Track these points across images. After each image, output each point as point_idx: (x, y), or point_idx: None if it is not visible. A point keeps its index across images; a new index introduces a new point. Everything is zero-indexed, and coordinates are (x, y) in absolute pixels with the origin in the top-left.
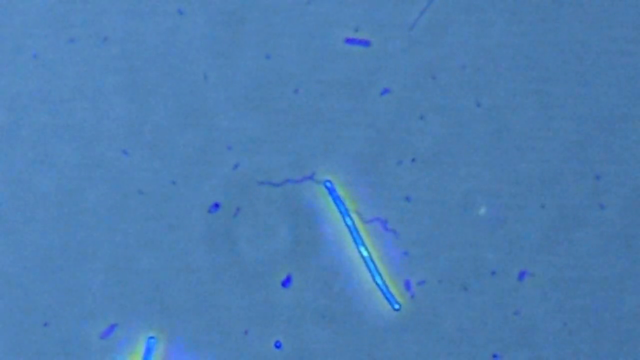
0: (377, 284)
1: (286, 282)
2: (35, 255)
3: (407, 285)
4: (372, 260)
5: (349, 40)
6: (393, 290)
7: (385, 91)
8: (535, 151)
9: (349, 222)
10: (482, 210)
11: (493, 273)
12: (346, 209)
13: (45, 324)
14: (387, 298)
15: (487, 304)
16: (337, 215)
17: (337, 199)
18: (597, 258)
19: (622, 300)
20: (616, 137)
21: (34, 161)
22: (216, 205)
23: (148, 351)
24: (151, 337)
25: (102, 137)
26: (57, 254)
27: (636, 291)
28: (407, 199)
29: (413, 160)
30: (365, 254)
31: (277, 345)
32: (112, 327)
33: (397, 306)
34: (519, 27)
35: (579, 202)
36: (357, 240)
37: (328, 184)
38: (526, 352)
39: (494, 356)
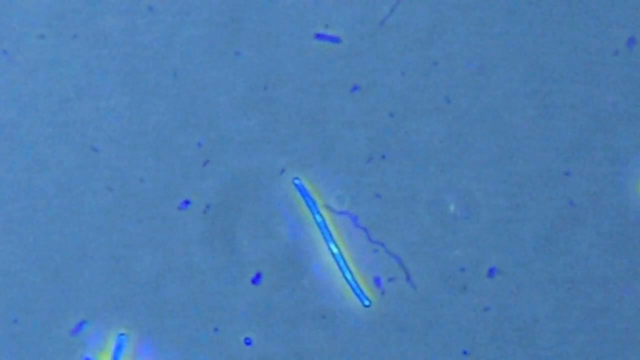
0: (347, 280)
1: (256, 280)
2: (10, 253)
3: (377, 282)
4: (342, 257)
5: (319, 36)
6: (363, 287)
7: (355, 88)
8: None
9: (319, 219)
10: (452, 208)
11: (463, 270)
12: (316, 206)
13: (15, 321)
14: (357, 295)
15: (460, 301)
16: (307, 211)
17: (306, 196)
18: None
19: (620, 301)
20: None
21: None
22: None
23: (118, 348)
24: (121, 334)
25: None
26: (44, 251)
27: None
28: (377, 195)
29: (383, 157)
30: (335, 250)
31: (247, 342)
32: (81, 324)
33: (367, 303)
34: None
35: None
36: (327, 237)
37: (297, 182)
38: (521, 355)
39: (464, 353)
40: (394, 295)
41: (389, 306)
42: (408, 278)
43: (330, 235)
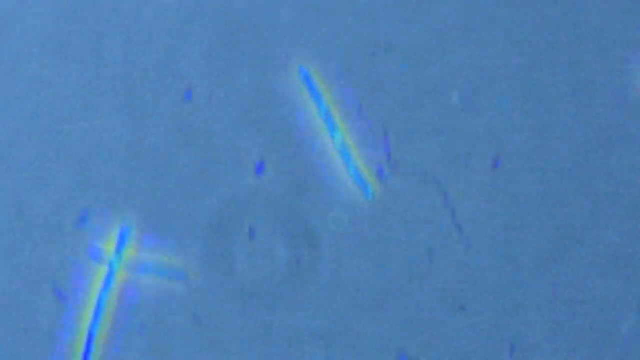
0: (349, 171)
1: (259, 169)
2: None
3: (380, 172)
4: (344, 148)
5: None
6: (366, 177)
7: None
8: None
9: (323, 110)
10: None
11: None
12: (320, 97)
13: (20, 212)
14: (359, 185)
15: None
16: (312, 104)
17: (312, 88)
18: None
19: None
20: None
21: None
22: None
23: (122, 239)
24: (125, 225)
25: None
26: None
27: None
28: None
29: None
30: (338, 140)
31: (251, 235)
32: (86, 215)
33: (369, 193)
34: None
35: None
36: (330, 127)
37: (303, 71)
38: None
39: None
40: (397, 186)
41: (391, 196)
42: (411, 168)
43: (334, 124)
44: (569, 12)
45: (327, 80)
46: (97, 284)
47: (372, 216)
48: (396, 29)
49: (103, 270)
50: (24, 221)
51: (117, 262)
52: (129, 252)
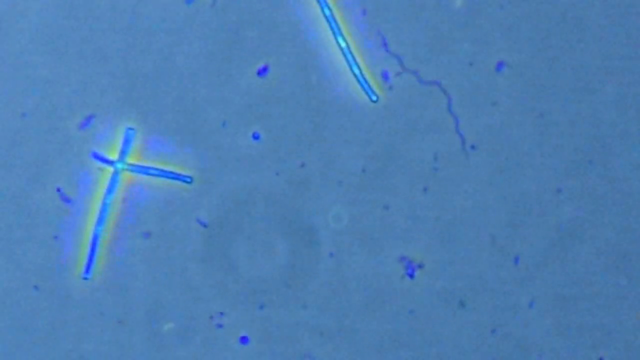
0: (354, 74)
1: (262, 72)
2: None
3: (385, 76)
4: (349, 51)
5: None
6: (371, 81)
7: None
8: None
9: (327, 12)
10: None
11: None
12: (325, 1)
13: (23, 115)
14: (364, 89)
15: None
16: (315, 4)
17: None
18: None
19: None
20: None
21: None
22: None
23: (126, 142)
24: (130, 128)
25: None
26: None
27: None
28: None
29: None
30: (343, 44)
31: (256, 137)
32: (90, 118)
33: (374, 98)
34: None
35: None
36: (335, 30)
37: None
38: None
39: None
40: (401, 90)
41: (397, 100)
42: (415, 73)
43: (339, 28)
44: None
45: None
46: (102, 186)
47: (375, 120)
48: None
49: (108, 172)
50: (27, 126)
51: (121, 164)
52: (134, 155)
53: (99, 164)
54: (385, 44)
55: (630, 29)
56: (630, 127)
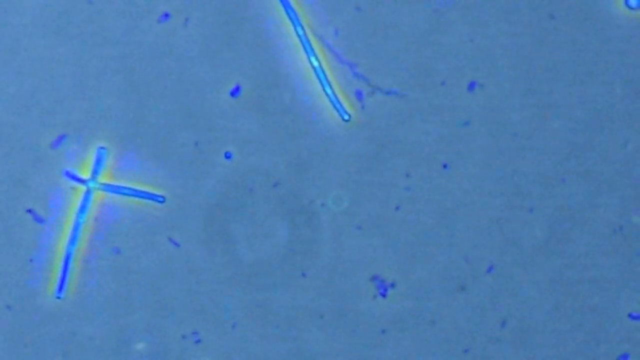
0: (326, 94)
1: (235, 92)
2: None
3: (359, 96)
4: (322, 71)
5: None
6: (343, 100)
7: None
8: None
9: (300, 32)
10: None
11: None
12: (297, 18)
13: None
14: (336, 108)
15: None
16: (289, 25)
17: (288, 7)
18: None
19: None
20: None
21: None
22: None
23: (98, 162)
24: (102, 147)
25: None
26: None
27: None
28: (358, 8)
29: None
30: (315, 64)
31: (227, 156)
32: (62, 137)
33: (346, 116)
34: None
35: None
36: (308, 50)
37: None
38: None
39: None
40: (374, 109)
41: (369, 120)
42: (388, 92)
43: (312, 48)
44: (544, 29)
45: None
46: (74, 205)
47: (349, 138)
48: None
49: (80, 191)
50: (1, 144)
51: (93, 183)
52: (106, 173)
53: (72, 182)
54: (353, 67)
55: (600, 52)
56: (629, 111)
